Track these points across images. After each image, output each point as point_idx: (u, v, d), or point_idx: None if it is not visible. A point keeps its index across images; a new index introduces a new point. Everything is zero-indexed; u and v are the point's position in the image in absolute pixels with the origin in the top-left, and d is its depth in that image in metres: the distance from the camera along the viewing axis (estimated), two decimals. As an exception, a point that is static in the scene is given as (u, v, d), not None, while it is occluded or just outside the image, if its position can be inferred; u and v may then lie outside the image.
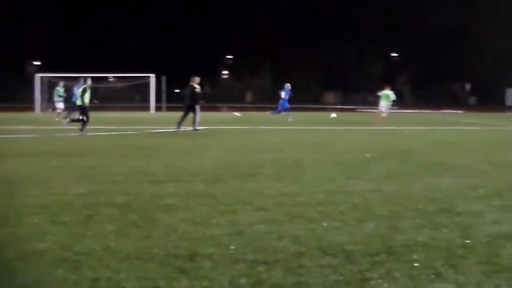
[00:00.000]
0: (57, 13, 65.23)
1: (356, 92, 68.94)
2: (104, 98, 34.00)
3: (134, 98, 49.11)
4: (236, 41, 70.80)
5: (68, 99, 26.30)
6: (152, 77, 40.49)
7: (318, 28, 70.14)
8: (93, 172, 8.57)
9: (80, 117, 16.89)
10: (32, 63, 67.70)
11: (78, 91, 17.66)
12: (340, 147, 13.36)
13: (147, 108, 39.77)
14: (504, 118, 32.96)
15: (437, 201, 6.41)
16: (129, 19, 69.02)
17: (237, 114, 36.15)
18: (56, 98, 27.22)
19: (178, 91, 60.53)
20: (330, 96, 75.41)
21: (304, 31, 69.54)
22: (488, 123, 26.63)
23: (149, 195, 6.67)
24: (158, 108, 40.88)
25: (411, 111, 40.66)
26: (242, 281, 3.73)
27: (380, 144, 14.43)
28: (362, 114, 35.96)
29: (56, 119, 26.19)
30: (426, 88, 70.54)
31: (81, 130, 16.32)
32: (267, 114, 29.12)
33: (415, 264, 4.11)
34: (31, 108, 37.65)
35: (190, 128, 17.83)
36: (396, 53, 76.46)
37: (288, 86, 26.81)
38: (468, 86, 74.05)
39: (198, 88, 18.63)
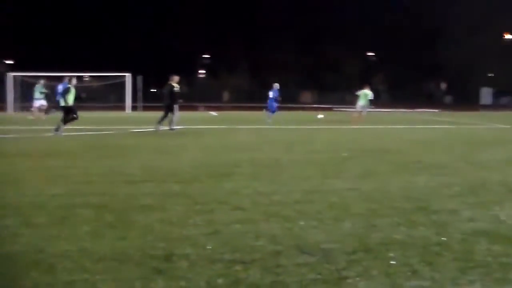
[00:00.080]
0: (29, 10, 64.34)
1: (333, 91, 69.35)
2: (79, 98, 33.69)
3: (109, 97, 48.67)
4: (213, 40, 70.69)
5: (49, 96, 26.23)
6: (128, 76, 40.15)
7: (295, 27, 70.35)
8: (68, 172, 8.46)
9: (75, 116, 16.75)
10: (4, 62, 66.65)
11: (61, 90, 17.42)
12: (317, 146, 13.41)
13: (122, 108, 39.42)
14: (478, 117, 33.44)
15: (414, 199, 6.46)
16: (105, 17, 68.39)
17: (213, 113, 36.06)
18: (37, 96, 27.07)
19: (155, 90, 60.42)
20: (306, 96, 75.77)
21: (281, 31, 69.72)
22: (463, 121, 27.02)
23: (125, 195, 6.60)
24: (134, 108, 40.57)
25: (388, 110, 41.03)
26: (220, 281, 3.71)
27: (357, 143, 14.52)
28: (339, 113, 36.13)
29: (31, 117, 25.98)
30: (402, 87, 71.25)
31: (57, 130, 16.11)
32: (264, 113, 28.84)
33: (392, 262, 4.13)
34: (3, 108, 37.04)
35: (167, 127, 17.75)
36: (373, 53, 77.10)
37: (276, 86, 26.41)
38: (443, 85, 74.97)
39: (177, 87, 18.53)
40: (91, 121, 22.61)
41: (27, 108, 29.78)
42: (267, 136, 16.70)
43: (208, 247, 4.44)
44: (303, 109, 44.35)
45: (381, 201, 6.36)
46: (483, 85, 73.04)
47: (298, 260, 4.15)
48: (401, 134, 18.26)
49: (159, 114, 18.38)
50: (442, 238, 4.78)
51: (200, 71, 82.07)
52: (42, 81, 27.93)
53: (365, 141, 15.05)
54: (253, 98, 58.17)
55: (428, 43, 69.84)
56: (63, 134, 15.94)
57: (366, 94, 25.56)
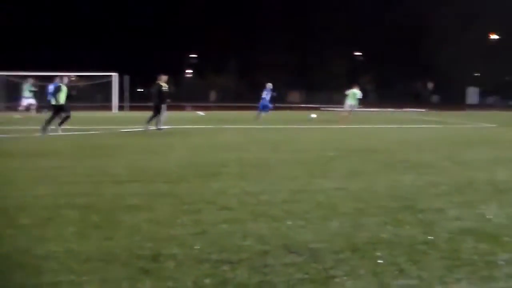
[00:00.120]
0: (15, 7, 63.80)
1: (320, 91, 69.50)
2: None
3: (96, 97, 48.42)
4: (200, 40, 70.55)
5: (38, 95, 26.18)
6: (115, 76, 39.92)
7: (282, 27, 70.39)
8: (53, 173, 8.39)
9: (68, 115, 16.69)
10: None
11: (52, 90, 17.34)
12: (304, 146, 13.43)
13: (109, 108, 39.22)
14: (465, 116, 33.69)
15: (400, 199, 6.49)
16: (93, 17, 68.03)
17: (201, 113, 35.99)
18: (26, 94, 27.00)
19: (142, 90, 60.18)
20: (294, 95, 75.85)
21: (268, 30, 69.72)
22: (449, 121, 27.20)
23: (112, 195, 6.56)
24: (120, 108, 40.37)
25: (375, 109, 41.18)
26: (207, 281, 3.70)
27: (344, 142, 14.56)
28: (326, 112, 36.20)
29: (18, 116, 25.83)
30: (389, 87, 71.59)
31: (44, 130, 16.02)
32: (256, 114, 28.85)
33: (379, 261, 4.14)
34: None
35: (154, 127, 17.71)
36: (360, 52, 77.38)
37: (269, 85, 26.54)
38: (430, 85, 75.46)
39: (165, 86, 18.47)
40: (78, 121, 22.42)
41: (14, 107, 29.59)
42: (255, 136, 16.70)
43: (195, 247, 4.43)
44: (290, 108, 44.37)
45: (368, 200, 6.38)
46: (469, 85, 73.63)
47: (286, 260, 4.15)
48: (388, 133, 18.33)
49: (146, 114, 18.31)
50: (429, 237, 4.81)
51: (187, 71, 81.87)
52: (30, 80, 27.83)
53: (352, 141, 15.09)
54: (241, 98, 58.20)
55: (415, 43, 70.22)
56: (49, 134, 15.83)
57: (355, 93, 25.73)
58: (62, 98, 16.60)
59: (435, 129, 21.46)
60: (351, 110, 25.80)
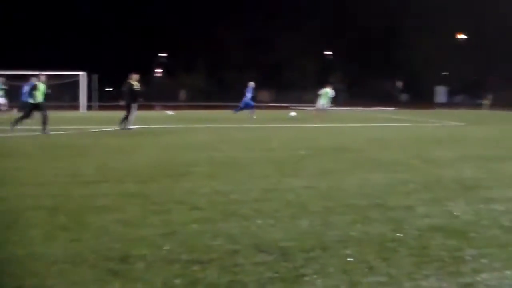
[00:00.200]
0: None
1: (291, 90, 69.71)
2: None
3: (63, 97, 47.73)
4: (170, 39, 70.14)
5: (8, 94, 25.76)
6: (83, 75, 39.38)
7: (252, 26, 70.43)
8: (18, 174, 8.21)
9: (44, 115, 16.37)
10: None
11: (27, 89, 17.05)
12: (275, 145, 13.44)
13: (76, 107, 38.69)
14: (433, 115, 34.21)
15: (370, 196, 6.53)
16: (61, 16, 67.07)
17: (170, 112, 35.76)
18: None
19: (111, 89, 59.52)
20: (264, 94, 75.93)
21: (238, 29, 69.70)
22: (418, 119, 27.58)
23: (80, 196, 6.45)
24: (89, 107, 39.88)
25: (345, 108, 41.50)
26: (177, 281, 3.66)
27: (315, 141, 14.62)
28: (297, 111, 36.31)
29: None
30: (359, 86, 72.16)
31: (14, 124, 15.86)
32: (231, 112, 28.96)
33: (349, 259, 4.16)
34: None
35: (123, 127, 17.55)
36: (330, 51, 77.85)
37: (252, 84, 26.88)
38: (399, 84, 76.34)
39: (136, 85, 18.28)
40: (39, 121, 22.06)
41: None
42: (225, 135, 16.65)
43: (165, 248, 4.38)
44: (261, 107, 44.43)
45: (338, 198, 6.41)
46: (438, 84, 74.74)
47: (256, 259, 4.13)
48: (358, 132, 18.49)
49: (115, 113, 18.11)
50: (398, 234, 4.85)
51: (156, 70, 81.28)
52: (1, 79, 27.29)
53: (323, 139, 15.17)
54: (211, 98, 58.05)
55: (384, 43, 71.02)
56: (14, 134, 15.55)
57: (327, 92, 26.13)
58: (39, 96, 16.38)
59: (404, 127, 21.72)
60: (324, 109, 26.14)
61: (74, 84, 39.73)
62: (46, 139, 14.82)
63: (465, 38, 69.80)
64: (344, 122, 24.17)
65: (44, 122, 16.33)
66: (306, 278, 3.75)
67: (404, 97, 74.83)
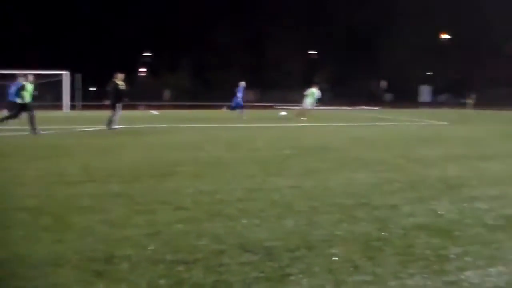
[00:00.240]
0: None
1: (275, 89, 69.80)
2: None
3: (46, 96, 47.32)
4: (154, 38, 69.85)
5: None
6: (66, 74, 39.08)
7: (237, 26, 70.38)
8: (1, 174, 8.12)
9: (31, 115, 16.19)
10: None
11: (15, 90, 16.81)
12: (260, 144, 13.44)
13: (59, 107, 38.37)
14: (417, 114, 34.46)
15: (355, 196, 6.55)
16: (42, 14, 66.44)
17: (154, 112, 35.60)
18: None
19: (94, 89, 59.11)
20: (249, 94, 75.91)
21: (222, 29, 69.61)
22: (402, 119, 27.77)
23: (63, 197, 6.39)
24: (72, 107, 39.58)
25: (330, 108, 41.62)
26: (162, 282, 3.63)
27: (299, 140, 14.64)
28: (281, 111, 36.34)
29: None
30: (344, 86, 72.44)
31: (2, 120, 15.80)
32: (223, 111, 29.00)
33: (334, 258, 4.16)
34: None
35: (113, 126, 17.48)
36: (315, 51, 78.04)
37: (242, 84, 26.93)
38: (383, 83, 76.75)
39: (122, 84, 18.17)
40: (26, 121, 21.86)
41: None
42: (210, 134, 16.61)
43: (149, 248, 4.35)
44: (245, 107, 44.38)
45: (322, 198, 6.41)
46: (422, 83, 75.31)
47: (241, 259, 4.12)
48: (343, 131, 18.55)
49: (99, 113, 18.00)
50: (383, 233, 4.86)
51: (140, 70, 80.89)
52: None
53: (308, 139, 15.20)
54: (195, 97, 57.90)
55: (368, 42, 71.34)
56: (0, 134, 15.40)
57: (313, 93, 26.33)
58: (27, 96, 16.24)
59: (388, 127, 21.84)
60: (310, 108, 26.39)
61: (57, 83, 39.39)
62: (28, 139, 14.69)
63: (449, 38, 70.39)
64: (329, 122, 24.24)
65: (32, 122, 16.20)
66: (292, 278, 3.74)
67: (388, 96, 75.28)
